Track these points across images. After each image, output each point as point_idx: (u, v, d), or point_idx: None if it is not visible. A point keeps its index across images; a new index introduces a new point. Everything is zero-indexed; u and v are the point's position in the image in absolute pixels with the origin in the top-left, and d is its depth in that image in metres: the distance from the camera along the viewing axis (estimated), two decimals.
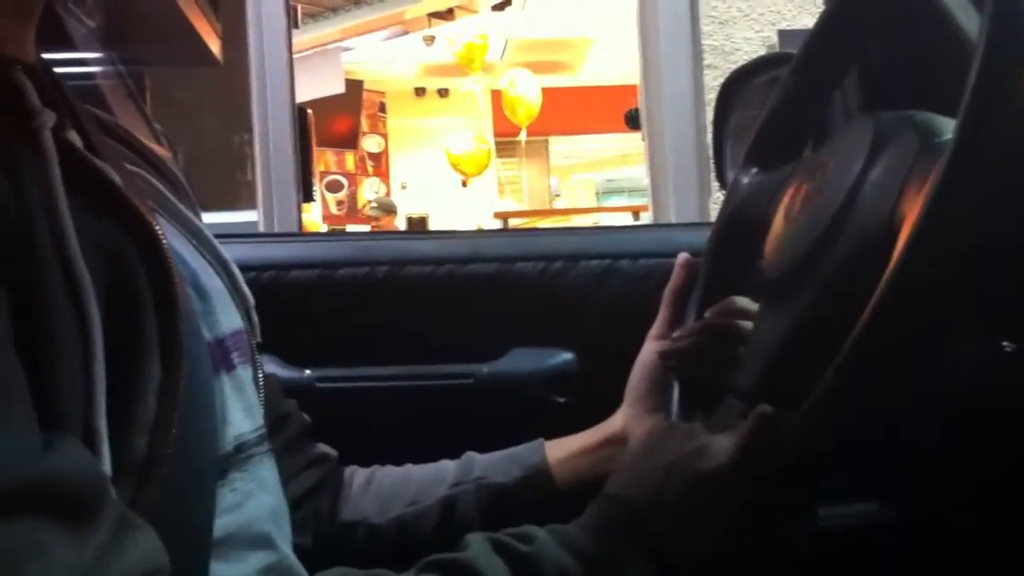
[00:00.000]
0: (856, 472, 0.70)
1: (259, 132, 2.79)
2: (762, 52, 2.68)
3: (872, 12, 0.84)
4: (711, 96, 2.59)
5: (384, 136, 10.47)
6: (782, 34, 2.72)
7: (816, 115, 0.93)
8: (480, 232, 3.01)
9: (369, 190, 10.07)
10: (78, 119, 0.71)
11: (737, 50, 2.72)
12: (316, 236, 2.91)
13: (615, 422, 1.03)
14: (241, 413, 0.80)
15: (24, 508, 0.46)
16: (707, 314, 0.97)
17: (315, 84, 7.26)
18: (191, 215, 0.86)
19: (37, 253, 0.56)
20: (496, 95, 9.57)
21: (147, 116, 2.98)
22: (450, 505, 0.98)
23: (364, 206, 9.63)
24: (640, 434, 0.98)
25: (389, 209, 8.77)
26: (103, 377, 0.57)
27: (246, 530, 0.76)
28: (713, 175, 2.34)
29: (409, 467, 1.04)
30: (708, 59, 2.72)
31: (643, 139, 2.92)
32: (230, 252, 0.87)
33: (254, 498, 0.78)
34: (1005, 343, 0.61)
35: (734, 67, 1.40)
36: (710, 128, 1.40)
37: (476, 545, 0.65)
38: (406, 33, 8.29)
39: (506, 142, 10.15)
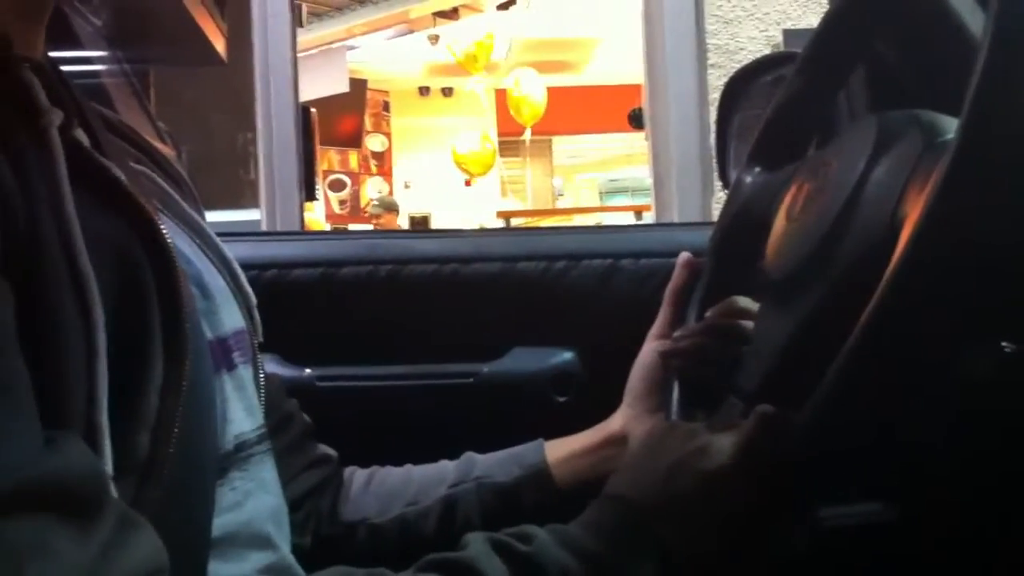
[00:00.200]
0: (858, 472, 0.70)
1: (263, 131, 2.79)
2: (767, 51, 2.68)
3: (877, 12, 0.84)
4: (715, 95, 2.59)
5: (388, 135, 10.48)
6: (787, 33, 2.72)
7: (820, 114, 0.93)
8: (483, 231, 3.02)
9: (372, 189, 10.07)
10: (85, 117, 0.71)
11: (742, 49, 2.72)
12: (319, 235, 2.91)
13: (615, 422, 1.03)
14: (242, 412, 0.80)
15: (28, 507, 0.46)
16: (708, 314, 0.97)
17: (319, 83, 7.27)
18: (195, 214, 0.86)
19: (43, 251, 0.56)
20: (501, 94, 9.57)
21: (151, 114, 2.99)
22: (450, 505, 0.98)
23: (367, 205, 9.64)
24: (640, 434, 0.98)
25: (391, 207, 8.77)
26: (106, 375, 0.57)
27: (245, 529, 0.76)
28: (716, 175, 2.33)
29: (409, 467, 1.04)
30: (712, 58, 2.72)
31: (647, 138, 2.92)
32: (233, 251, 0.87)
33: (254, 497, 0.78)
34: (1005, 344, 0.60)
35: (738, 66, 1.40)
36: (714, 127, 1.40)
37: (476, 544, 0.65)
38: (411, 32, 8.29)
39: (510, 141, 10.15)
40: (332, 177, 9.65)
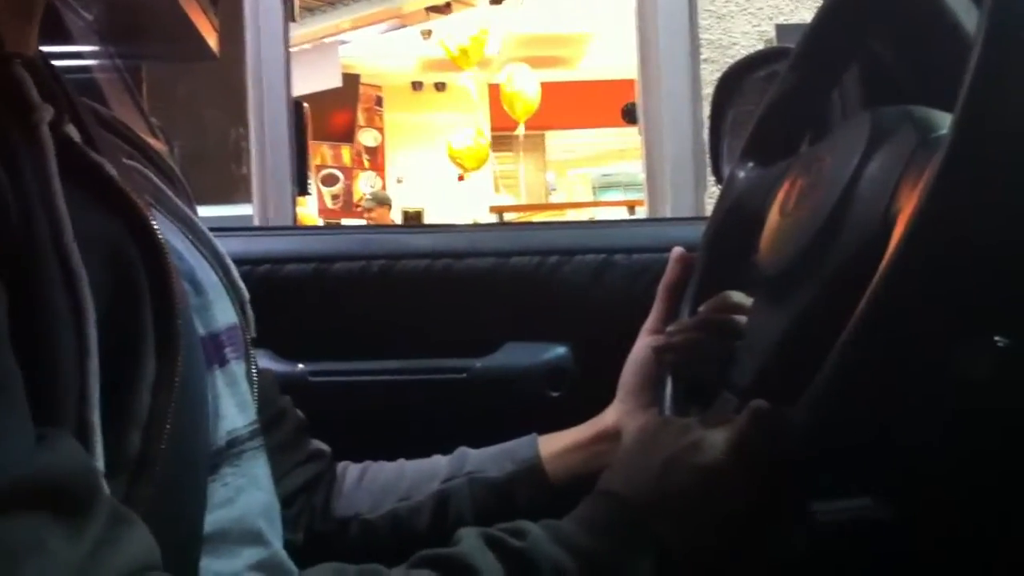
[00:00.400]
0: (851, 467, 0.70)
1: (255, 126, 2.79)
2: (760, 47, 2.68)
3: (871, 8, 0.84)
4: (708, 91, 2.59)
5: (381, 130, 10.47)
6: (780, 28, 2.72)
7: (814, 110, 0.93)
8: (476, 226, 3.02)
9: (365, 184, 10.06)
10: (77, 113, 0.71)
11: (735, 44, 2.72)
12: (311, 230, 2.91)
13: (608, 417, 1.02)
14: (234, 408, 0.80)
15: (20, 505, 0.46)
16: (702, 309, 0.96)
17: (312, 78, 7.27)
18: (187, 209, 0.86)
19: (34, 248, 0.56)
20: (494, 89, 9.57)
21: (143, 110, 2.98)
22: (443, 500, 0.98)
23: (360, 200, 9.63)
24: (633, 429, 0.98)
25: (383, 202, 8.78)
26: (97, 372, 0.57)
27: (237, 526, 0.76)
28: (709, 170, 2.34)
29: (402, 462, 1.04)
30: (705, 53, 2.72)
31: (640, 133, 2.92)
32: (225, 246, 0.87)
33: (246, 493, 0.78)
34: (999, 339, 0.60)
35: (732, 62, 1.40)
36: (707, 123, 1.40)
37: (469, 540, 0.65)
38: (403, 27, 8.28)
39: (503, 136, 10.15)
40: (325, 172, 9.64)
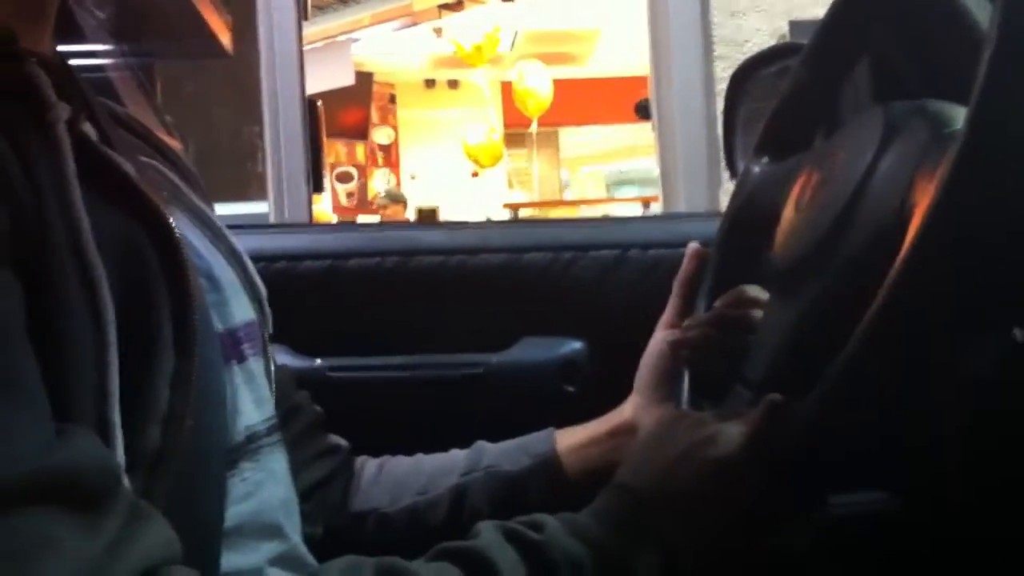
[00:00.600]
0: (866, 461, 0.70)
1: (269, 124, 2.80)
2: (773, 42, 2.67)
3: (883, 2, 0.84)
4: (721, 87, 2.59)
5: (394, 128, 10.47)
6: (793, 24, 2.71)
7: (827, 105, 0.93)
8: (489, 223, 3.01)
9: (379, 181, 10.06)
10: (92, 112, 0.72)
11: (747, 40, 2.72)
12: (326, 227, 2.91)
13: (624, 411, 1.03)
14: (252, 404, 0.80)
15: (37, 500, 0.46)
16: (717, 304, 0.97)
17: (325, 76, 7.27)
18: (204, 206, 0.86)
19: (51, 245, 0.56)
20: (506, 86, 9.55)
21: (157, 108, 2.99)
22: (460, 494, 0.98)
23: (375, 197, 9.64)
24: (649, 423, 0.98)
25: (398, 199, 8.80)
26: (116, 368, 0.57)
27: (257, 520, 0.76)
28: (723, 165, 2.33)
29: (419, 457, 1.05)
30: (719, 49, 2.71)
31: (653, 130, 2.92)
32: (241, 243, 0.88)
33: (265, 488, 0.79)
34: (1017, 331, 0.60)
35: (744, 57, 1.39)
36: (720, 118, 1.40)
37: (487, 533, 0.66)
38: (415, 24, 8.28)
39: (516, 133, 10.13)
40: (339, 170, 9.63)
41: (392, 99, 10.46)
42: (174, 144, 0.94)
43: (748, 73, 1.34)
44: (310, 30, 7.00)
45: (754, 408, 0.70)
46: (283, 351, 1.23)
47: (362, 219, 8.86)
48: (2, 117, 0.58)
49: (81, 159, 0.62)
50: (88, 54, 2.62)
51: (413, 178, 10.42)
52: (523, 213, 8.37)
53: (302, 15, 2.95)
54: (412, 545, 0.66)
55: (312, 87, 3.16)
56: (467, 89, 10.14)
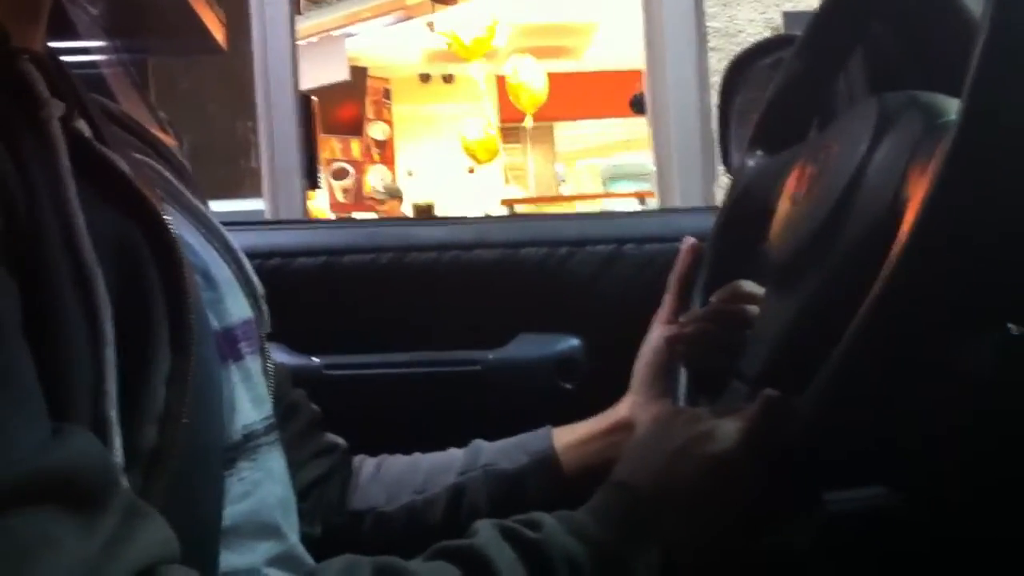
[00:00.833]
0: (862, 457, 0.70)
1: (263, 120, 2.79)
2: (767, 34, 2.67)
3: None
4: (716, 79, 2.58)
5: (389, 123, 10.45)
6: (787, 16, 2.71)
7: (821, 96, 0.93)
8: (485, 218, 3.01)
9: (375, 177, 10.05)
10: (86, 109, 0.71)
11: (741, 32, 2.71)
12: (321, 223, 2.91)
13: (621, 408, 1.03)
14: (249, 403, 0.80)
15: (34, 499, 0.46)
16: (713, 298, 0.97)
17: (319, 72, 7.26)
18: (199, 203, 0.86)
19: (46, 243, 0.56)
20: (501, 80, 9.54)
21: (151, 104, 2.98)
22: (458, 492, 0.98)
23: (371, 193, 9.62)
24: (646, 420, 0.98)
25: (394, 194, 8.80)
26: (113, 367, 0.57)
27: (254, 519, 0.76)
28: (718, 159, 2.33)
29: (417, 455, 1.05)
30: (713, 42, 2.71)
31: (648, 124, 2.91)
32: (235, 240, 0.87)
33: (262, 488, 0.78)
34: (1012, 326, 0.60)
35: (739, 49, 1.39)
36: (715, 111, 1.40)
37: (485, 532, 0.65)
38: (409, 19, 8.26)
39: (511, 128, 10.12)
40: (335, 166, 9.62)
41: (387, 94, 10.43)
42: (168, 141, 0.93)
43: (742, 65, 1.34)
44: (303, 25, 6.99)
45: (751, 403, 0.70)
46: (279, 349, 1.23)
47: (358, 216, 8.85)
48: None
49: (75, 156, 0.62)
50: (81, 51, 2.62)
51: (410, 174, 10.41)
52: (520, 209, 8.36)
53: (295, 10, 2.95)
54: (410, 544, 0.66)
55: (307, 83, 3.15)
56: (462, 84, 10.11)
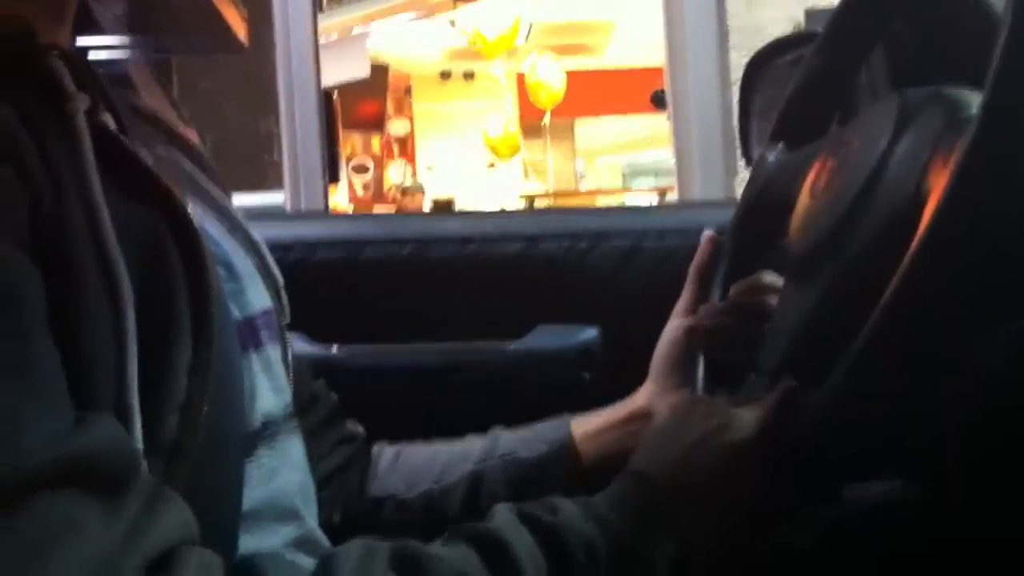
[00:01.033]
0: (879, 450, 0.70)
1: (285, 116, 2.80)
2: (789, 31, 2.66)
3: None
4: (737, 76, 2.57)
5: (410, 119, 10.46)
6: (809, 13, 2.70)
7: (842, 91, 0.93)
8: (504, 212, 3.01)
9: (395, 173, 10.07)
10: (111, 103, 0.72)
11: (763, 29, 2.71)
12: (341, 216, 2.92)
13: (639, 398, 1.03)
14: (269, 391, 0.81)
15: (58, 484, 0.47)
16: (732, 290, 0.97)
17: (341, 69, 7.27)
18: (221, 196, 0.87)
19: (70, 235, 0.57)
20: (521, 78, 9.54)
21: (174, 100, 3.00)
22: (477, 481, 0.99)
23: (390, 189, 9.65)
24: (664, 410, 0.98)
25: (417, 188, 8.93)
26: (136, 357, 0.58)
27: (274, 503, 0.77)
28: (739, 155, 2.33)
29: (436, 444, 1.05)
30: (734, 39, 2.70)
31: (668, 119, 2.91)
32: (257, 232, 0.88)
33: (281, 474, 0.79)
34: None
35: (760, 46, 1.39)
36: (736, 108, 1.40)
37: (502, 515, 0.66)
38: (431, 16, 8.27)
39: (532, 125, 10.11)
40: (355, 161, 9.63)
41: (408, 91, 10.44)
42: (192, 135, 0.94)
43: (764, 61, 1.34)
44: (325, 23, 7.00)
45: (769, 395, 0.70)
46: (300, 339, 1.23)
47: (378, 210, 8.89)
48: (21, 108, 0.58)
49: (100, 149, 0.62)
50: (105, 48, 2.63)
51: (430, 169, 10.42)
52: (539, 204, 8.36)
53: (317, 7, 2.95)
54: (428, 532, 0.66)
55: (328, 79, 3.16)
56: (482, 80, 10.12)
